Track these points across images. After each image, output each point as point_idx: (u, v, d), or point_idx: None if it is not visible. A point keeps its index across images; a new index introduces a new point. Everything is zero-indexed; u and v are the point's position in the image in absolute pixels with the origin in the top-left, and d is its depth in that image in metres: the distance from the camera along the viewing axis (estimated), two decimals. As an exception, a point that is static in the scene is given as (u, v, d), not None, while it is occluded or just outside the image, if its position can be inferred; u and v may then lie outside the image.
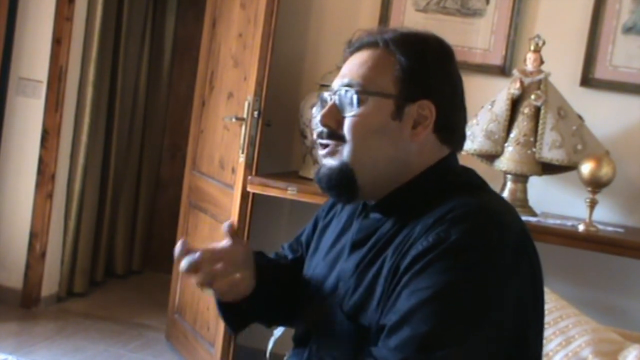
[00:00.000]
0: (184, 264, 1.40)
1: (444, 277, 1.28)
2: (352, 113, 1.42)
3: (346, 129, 1.42)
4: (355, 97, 1.41)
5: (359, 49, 1.47)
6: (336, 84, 1.47)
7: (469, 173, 1.49)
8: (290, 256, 1.70)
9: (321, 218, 1.65)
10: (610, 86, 3.31)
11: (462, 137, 1.49)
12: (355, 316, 1.39)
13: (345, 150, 1.42)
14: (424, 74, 1.42)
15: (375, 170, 1.42)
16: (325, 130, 1.45)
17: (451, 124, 1.46)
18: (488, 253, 1.31)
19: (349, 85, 1.43)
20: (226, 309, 1.56)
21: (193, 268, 1.39)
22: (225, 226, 1.47)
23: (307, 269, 1.60)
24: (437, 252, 1.30)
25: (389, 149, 1.42)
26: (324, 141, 1.45)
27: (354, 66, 1.45)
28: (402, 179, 1.43)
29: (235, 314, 1.57)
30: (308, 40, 3.73)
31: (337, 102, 1.44)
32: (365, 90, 1.41)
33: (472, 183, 1.46)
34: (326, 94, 1.49)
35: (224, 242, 1.45)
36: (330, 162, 1.44)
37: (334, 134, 1.44)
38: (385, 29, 1.48)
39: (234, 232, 1.47)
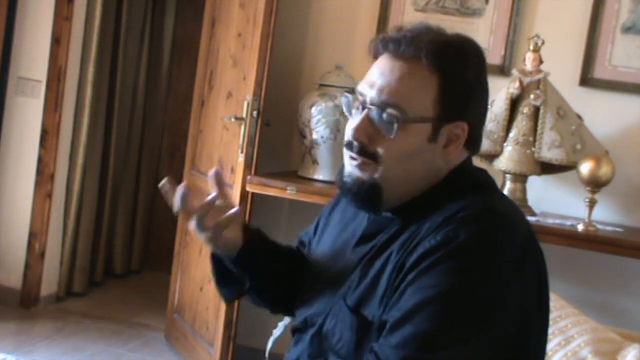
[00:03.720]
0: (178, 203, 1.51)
1: (450, 278, 1.29)
2: (391, 136, 1.37)
3: (381, 151, 1.39)
4: (395, 125, 1.37)
5: (395, 54, 1.39)
6: (369, 93, 1.40)
7: (481, 173, 1.49)
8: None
9: (324, 215, 1.65)
10: (610, 86, 3.31)
11: (481, 141, 1.49)
12: (359, 309, 1.39)
13: (378, 171, 1.39)
14: (463, 95, 1.40)
15: (403, 188, 1.42)
16: (356, 144, 1.40)
17: (479, 135, 1.46)
18: (495, 256, 1.31)
19: (386, 104, 1.37)
20: (219, 267, 1.59)
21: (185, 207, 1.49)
22: (211, 174, 1.54)
23: (311, 259, 1.60)
24: (445, 251, 1.30)
25: (421, 169, 1.41)
26: (355, 155, 1.41)
27: (392, 80, 1.38)
28: (425, 189, 1.43)
29: (227, 274, 1.58)
30: (307, 40, 3.73)
31: (371, 116, 1.39)
32: (406, 117, 1.36)
33: (484, 183, 1.47)
34: (355, 101, 1.43)
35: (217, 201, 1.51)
36: (358, 175, 1.41)
37: (366, 150, 1.40)
38: (422, 34, 1.40)
39: (220, 180, 1.52)
